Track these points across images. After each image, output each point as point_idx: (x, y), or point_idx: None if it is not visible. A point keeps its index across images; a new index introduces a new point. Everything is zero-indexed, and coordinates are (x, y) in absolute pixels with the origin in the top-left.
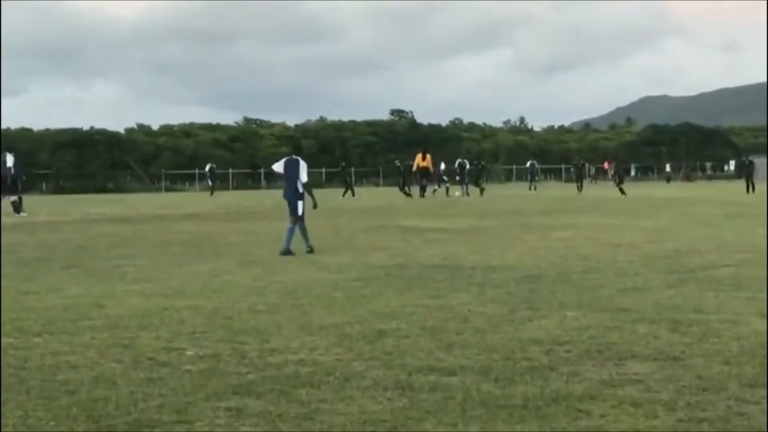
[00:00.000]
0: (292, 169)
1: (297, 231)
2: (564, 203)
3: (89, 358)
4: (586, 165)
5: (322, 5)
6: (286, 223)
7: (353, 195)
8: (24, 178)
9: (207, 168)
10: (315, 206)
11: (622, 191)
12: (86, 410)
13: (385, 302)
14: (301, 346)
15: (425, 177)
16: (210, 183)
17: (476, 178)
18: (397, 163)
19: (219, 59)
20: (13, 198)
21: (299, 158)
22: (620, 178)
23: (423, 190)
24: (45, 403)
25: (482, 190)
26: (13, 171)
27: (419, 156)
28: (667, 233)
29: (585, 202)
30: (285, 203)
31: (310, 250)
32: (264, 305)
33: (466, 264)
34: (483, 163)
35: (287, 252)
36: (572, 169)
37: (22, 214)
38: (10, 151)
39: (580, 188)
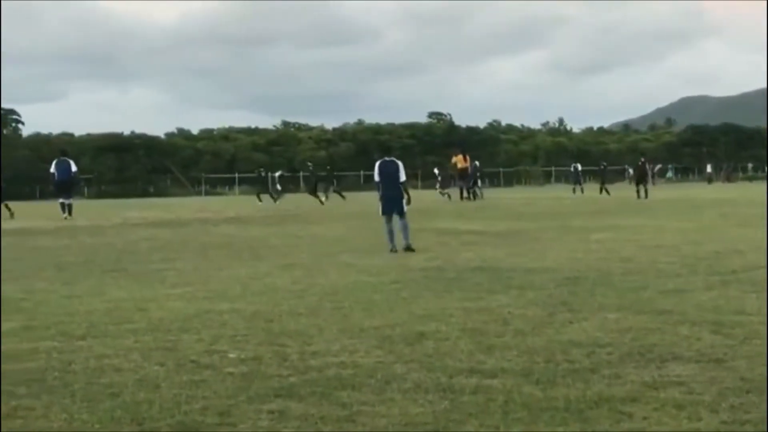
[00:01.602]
0: (393, 170)
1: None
2: (602, 204)
3: (132, 361)
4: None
5: (359, 6)
6: (385, 224)
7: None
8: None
9: (278, 174)
10: (408, 203)
11: (638, 194)
12: (130, 413)
13: (425, 305)
14: (342, 349)
15: (463, 178)
16: (279, 187)
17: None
18: (436, 171)
19: (258, 63)
20: (69, 200)
21: (394, 158)
22: (641, 178)
23: (462, 191)
24: (89, 406)
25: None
26: (60, 175)
27: (459, 157)
28: (707, 234)
29: (623, 204)
30: (378, 204)
31: (409, 248)
32: (304, 308)
33: (504, 266)
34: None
35: (395, 249)
36: (598, 171)
37: (66, 216)
38: (65, 155)
39: (606, 191)
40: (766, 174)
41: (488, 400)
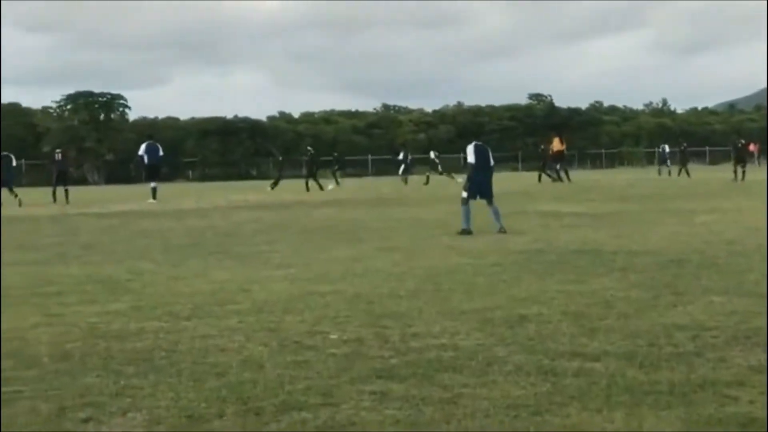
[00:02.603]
0: (486, 153)
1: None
2: (704, 187)
3: (237, 341)
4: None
5: None
6: (464, 205)
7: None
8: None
9: (401, 155)
10: None
11: (735, 175)
12: (235, 392)
13: (526, 287)
14: (443, 331)
15: (558, 161)
16: (407, 167)
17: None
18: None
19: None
20: (153, 184)
21: (483, 143)
22: (740, 160)
23: (558, 173)
24: (195, 386)
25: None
26: (146, 159)
27: (556, 139)
28: None
29: (723, 186)
30: (465, 186)
31: (503, 230)
32: (405, 290)
33: (606, 249)
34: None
35: (471, 231)
36: (678, 152)
37: (151, 200)
38: (151, 138)
39: (686, 173)
40: None
41: (591, 383)
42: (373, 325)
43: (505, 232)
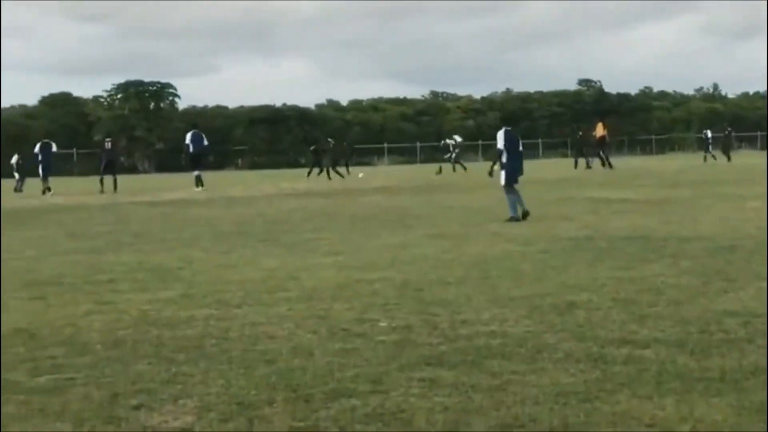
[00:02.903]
0: (516, 140)
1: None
2: (756, 172)
3: (286, 329)
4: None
5: None
6: (510, 194)
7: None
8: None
9: (452, 143)
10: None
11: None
12: (285, 379)
13: (575, 274)
14: (492, 318)
15: (600, 147)
16: (453, 156)
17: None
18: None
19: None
20: (197, 172)
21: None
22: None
23: (603, 160)
24: (246, 373)
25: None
26: (191, 148)
27: (600, 125)
28: None
29: None
30: (500, 174)
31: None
32: (453, 277)
33: (656, 235)
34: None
35: (518, 218)
36: (722, 137)
37: (200, 189)
38: (195, 128)
39: (728, 157)
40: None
41: (641, 370)
42: (422, 312)
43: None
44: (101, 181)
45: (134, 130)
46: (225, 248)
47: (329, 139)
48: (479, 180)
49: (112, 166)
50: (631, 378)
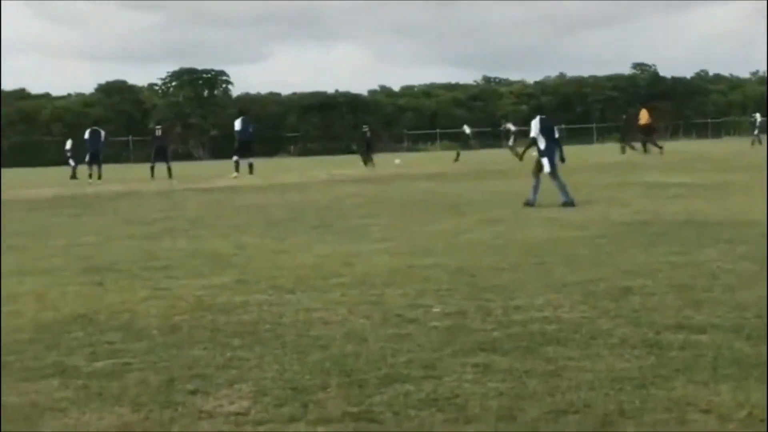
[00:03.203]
0: (551, 127)
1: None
2: None
3: (340, 314)
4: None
5: None
6: (557, 179)
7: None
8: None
9: (509, 126)
10: (563, 159)
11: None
12: (338, 364)
13: (630, 259)
14: (546, 304)
15: (644, 132)
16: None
17: None
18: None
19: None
20: (250, 159)
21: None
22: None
23: (644, 146)
24: (299, 358)
25: None
26: (243, 135)
27: (644, 111)
28: None
29: None
30: (536, 158)
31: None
32: (506, 263)
33: (713, 220)
34: None
35: (571, 203)
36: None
37: (238, 173)
38: (243, 114)
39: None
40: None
41: (696, 355)
42: (476, 298)
43: (573, 205)
44: (152, 168)
45: (189, 118)
46: (278, 234)
47: (364, 127)
48: (530, 166)
49: (163, 153)
50: (686, 364)
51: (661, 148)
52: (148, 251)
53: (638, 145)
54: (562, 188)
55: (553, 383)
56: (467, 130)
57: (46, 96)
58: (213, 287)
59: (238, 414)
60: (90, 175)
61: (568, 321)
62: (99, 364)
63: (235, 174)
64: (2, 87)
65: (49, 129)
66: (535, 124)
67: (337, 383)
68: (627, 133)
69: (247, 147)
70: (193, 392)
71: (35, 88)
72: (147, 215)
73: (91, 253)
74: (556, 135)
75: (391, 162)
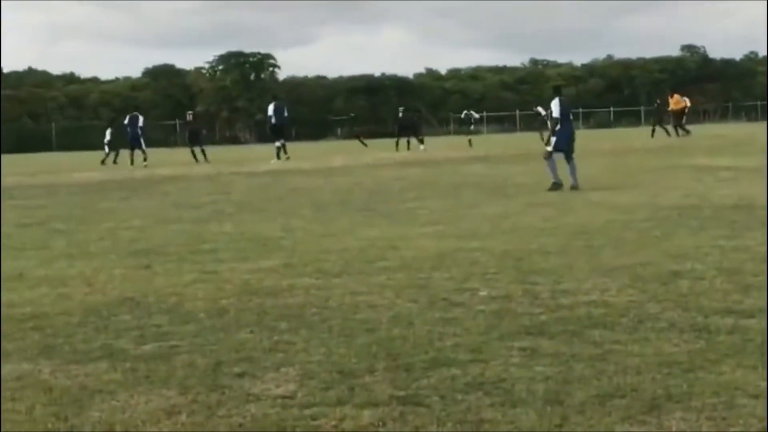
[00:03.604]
0: (568, 109)
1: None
2: None
3: (386, 298)
4: None
5: None
6: (553, 160)
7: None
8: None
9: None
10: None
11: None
12: (385, 348)
13: (678, 243)
14: (593, 288)
15: (680, 118)
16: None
17: None
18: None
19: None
20: (278, 143)
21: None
22: None
23: (666, 131)
24: (346, 341)
25: None
26: (274, 119)
27: (675, 97)
28: None
29: None
30: (550, 139)
31: (576, 186)
32: (554, 246)
33: (761, 203)
34: None
35: (558, 185)
36: None
37: (281, 159)
38: (276, 99)
39: None
40: None
41: (745, 340)
42: (522, 281)
43: (578, 188)
44: (192, 152)
45: (236, 101)
46: (325, 218)
47: (401, 109)
48: (584, 148)
49: (196, 137)
50: (735, 348)
51: (688, 132)
52: (195, 234)
53: (670, 128)
54: (554, 169)
55: (600, 367)
56: (475, 115)
57: (94, 80)
58: (260, 271)
59: (284, 397)
60: (132, 161)
61: (616, 305)
62: (147, 347)
63: (274, 160)
64: (52, 70)
65: (97, 113)
66: (555, 105)
67: (384, 367)
68: (660, 116)
69: (280, 131)
70: (240, 375)
71: (84, 72)
72: (194, 199)
73: (139, 236)
74: (571, 117)
75: (439, 145)
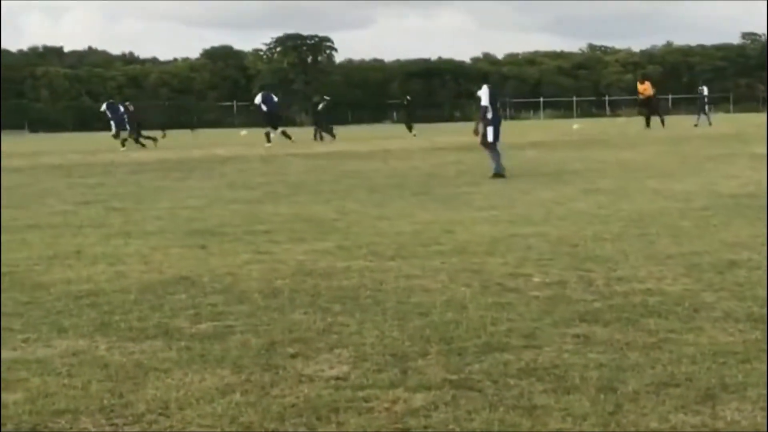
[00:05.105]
0: (497, 97)
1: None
2: None
3: (440, 282)
4: None
5: None
6: (498, 150)
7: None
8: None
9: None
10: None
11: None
12: (438, 332)
13: (736, 232)
14: (648, 276)
15: (647, 106)
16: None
17: None
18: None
19: None
20: (277, 130)
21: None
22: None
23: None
24: (399, 324)
25: None
26: (265, 107)
27: (647, 84)
28: None
29: None
30: (488, 131)
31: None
32: (609, 233)
33: None
34: None
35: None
36: None
37: (269, 142)
38: (263, 90)
39: None
40: None
41: None
42: (577, 268)
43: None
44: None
45: (293, 84)
46: (379, 201)
47: (408, 96)
48: (641, 135)
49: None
50: None
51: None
52: (251, 215)
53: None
54: (497, 160)
55: (655, 356)
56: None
57: (153, 60)
58: (314, 252)
59: (337, 378)
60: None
61: (671, 293)
62: (202, 326)
63: (267, 144)
64: (111, 50)
65: (157, 93)
66: (485, 92)
67: (437, 350)
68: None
69: (276, 117)
70: (294, 356)
71: (143, 53)
72: (250, 180)
73: (195, 216)
74: (498, 105)
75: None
